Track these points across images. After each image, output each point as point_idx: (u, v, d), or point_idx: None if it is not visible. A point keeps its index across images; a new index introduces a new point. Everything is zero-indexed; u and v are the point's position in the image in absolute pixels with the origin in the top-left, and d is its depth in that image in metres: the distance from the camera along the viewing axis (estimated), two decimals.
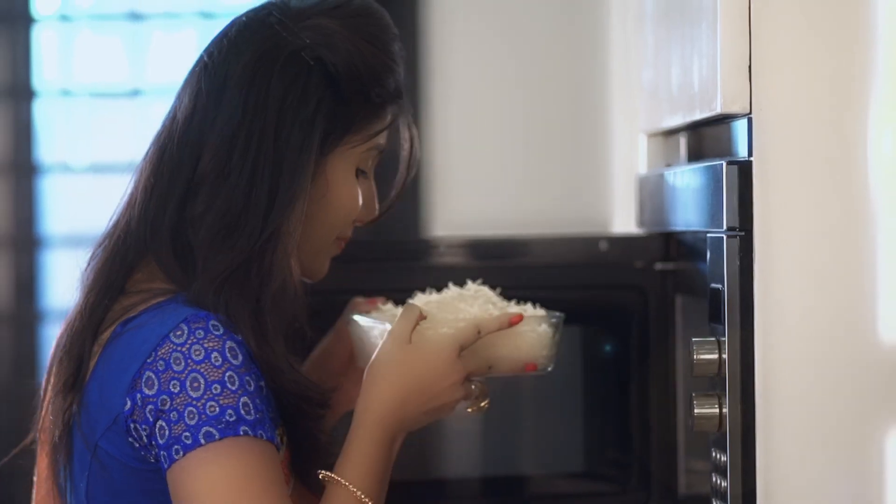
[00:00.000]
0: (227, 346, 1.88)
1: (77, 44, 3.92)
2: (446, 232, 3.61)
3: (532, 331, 2.08)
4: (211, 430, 1.84)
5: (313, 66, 1.99)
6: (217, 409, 1.85)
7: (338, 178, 2.03)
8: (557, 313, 2.12)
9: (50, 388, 1.99)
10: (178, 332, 1.87)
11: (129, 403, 1.87)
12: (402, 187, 2.15)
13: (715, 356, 1.98)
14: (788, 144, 1.90)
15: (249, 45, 2.00)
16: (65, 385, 1.95)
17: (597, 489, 2.47)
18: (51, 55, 3.90)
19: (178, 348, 1.86)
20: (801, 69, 1.89)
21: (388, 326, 2.02)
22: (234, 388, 1.86)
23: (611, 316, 2.44)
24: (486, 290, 2.14)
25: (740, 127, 2.01)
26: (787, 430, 1.89)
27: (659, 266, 2.40)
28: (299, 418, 1.98)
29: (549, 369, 2.10)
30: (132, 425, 1.87)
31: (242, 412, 1.86)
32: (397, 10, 3.75)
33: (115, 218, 2.03)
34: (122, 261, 1.99)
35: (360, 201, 2.05)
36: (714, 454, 2.03)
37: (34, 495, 2.07)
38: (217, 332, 1.88)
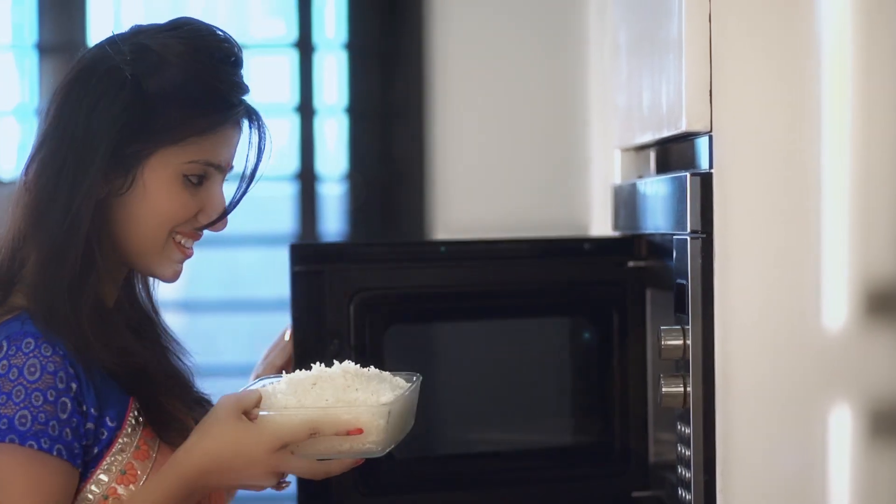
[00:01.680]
0: (27, 363, 1.84)
1: None
2: (446, 235, 3.61)
3: (373, 427, 1.87)
4: None
5: (128, 79, 1.92)
6: None
7: (155, 184, 1.94)
8: (392, 399, 1.88)
9: None
10: None
11: None
12: (240, 196, 2.02)
13: (680, 342, 1.98)
14: (744, 158, 1.90)
15: (78, 64, 1.97)
16: None
17: (580, 459, 2.46)
18: None
19: None
20: (755, 93, 1.89)
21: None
22: (17, 401, 1.83)
23: (591, 307, 2.44)
24: (351, 367, 1.93)
25: (702, 143, 2.00)
26: (742, 407, 1.89)
27: (631, 264, 2.40)
28: (137, 389, 1.93)
29: (383, 452, 1.90)
30: None
31: (16, 423, 1.82)
32: (403, 46, 3.75)
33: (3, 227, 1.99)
34: None
35: (188, 207, 1.96)
36: (679, 427, 2.03)
37: None
38: (25, 351, 1.85)
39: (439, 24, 3.65)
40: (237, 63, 1.99)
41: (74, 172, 1.91)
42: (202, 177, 1.96)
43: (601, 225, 2.85)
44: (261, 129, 2.01)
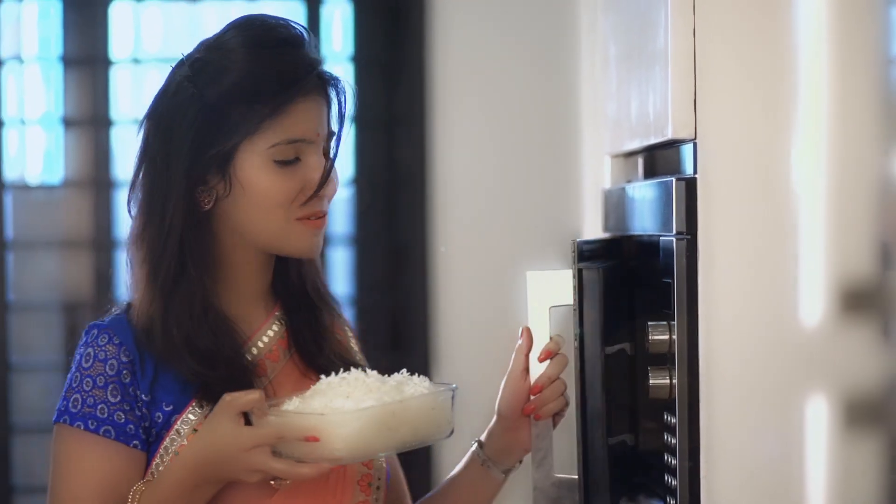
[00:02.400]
0: (85, 352, 1.93)
1: (146, 82, 3.92)
2: (446, 236, 3.61)
3: (334, 436, 1.81)
4: (56, 412, 1.93)
5: (194, 93, 1.93)
6: (61, 399, 1.93)
7: (249, 177, 1.94)
8: (355, 410, 1.82)
9: None
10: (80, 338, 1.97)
11: None
12: (332, 159, 2.00)
13: (666, 337, 1.98)
14: (726, 164, 1.90)
15: (157, 93, 2.00)
16: None
17: None
18: (125, 91, 3.90)
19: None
20: (736, 103, 1.89)
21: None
22: (74, 386, 1.92)
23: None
24: (362, 375, 1.90)
25: (687, 150, 2.01)
26: (725, 398, 1.89)
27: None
28: (209, 392, 1.93)
29: (351, 461, 1.87)
30: None
31: (70, 405, 1.91)
32: (406, 59, 3.75)
33: None
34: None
35: (289, 186, 1.94)
36: (665, 417, 2.03)
37: None
38: (88, 341, 1.94)
39: (440, 37, 3.66)
40: (294, 42, 1.97)
41: (163, 192, 1.94)
42: (294, 155, 1.96)
43: (593, 227, 2.85)
44: (338, 92, 1.99)
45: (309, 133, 1.96)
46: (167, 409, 1.93)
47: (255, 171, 1.94)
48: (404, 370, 1.96)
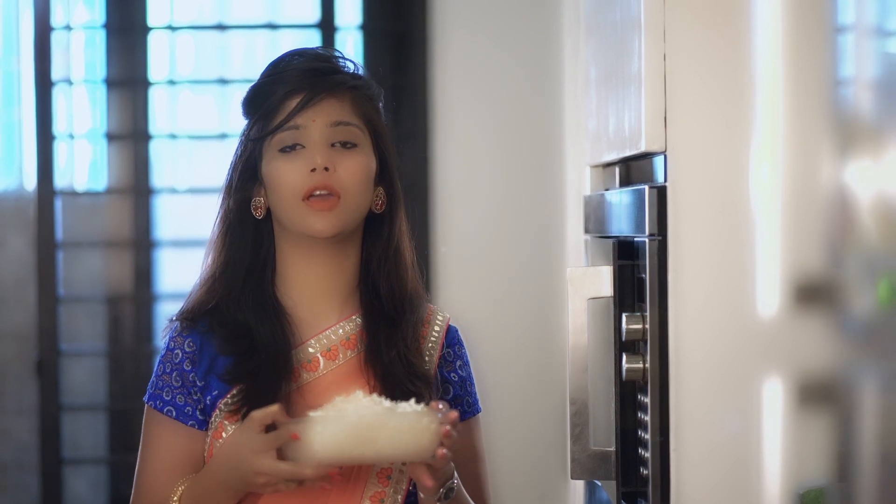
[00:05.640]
0: (165, 341, 1.97)
1: (181, 100, 3.92)
2: (446, 240, 3.61)
3: (311, 437, 1.74)
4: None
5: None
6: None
7: (269, 171, 1.94)
8: (321, 416, 1.74)
9: None
10: None
11: None
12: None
13: (640, 326, 1.98)
14: (693, 174, 1.90)
15: None
16: None
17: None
18: (162, 109, 3.90)
19: None
20: (702, 120, 1.90)
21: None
22: (156, 370, 1.96)
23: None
24: (380, 400, 1.78)
25: (658, 161, 2.01)
26: (692, 380, 1.89)
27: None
28: (239, 376, 1.92)
29: (322, 462, 1.76)
30: None
31: (150, 386, 1.96)
32: (411, 82, 3.75)
33: None
34: None
35: (295, 167, 1.92)
36: (639, 397, 2.03)
37: None
38: (170, 331, 1.97)
39: (440, 63, 3.66)
40: (299, 53, 1.99)
41: (226, 204, 2.00)
42: (294, 141, 1.95)
43: (575, 229, 2.85)
44: (336, 85, 1.98)
45: (303, 120, 1.94)
46: (215, 392, 1.91)
47: (269, 164, 1.94)
48: (412, 399, 1.81)
